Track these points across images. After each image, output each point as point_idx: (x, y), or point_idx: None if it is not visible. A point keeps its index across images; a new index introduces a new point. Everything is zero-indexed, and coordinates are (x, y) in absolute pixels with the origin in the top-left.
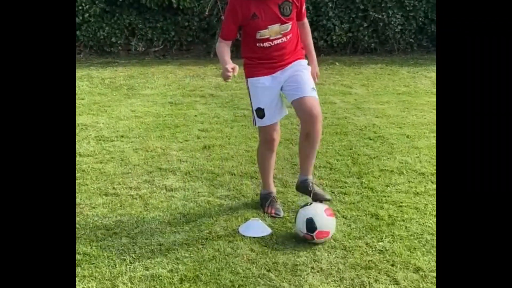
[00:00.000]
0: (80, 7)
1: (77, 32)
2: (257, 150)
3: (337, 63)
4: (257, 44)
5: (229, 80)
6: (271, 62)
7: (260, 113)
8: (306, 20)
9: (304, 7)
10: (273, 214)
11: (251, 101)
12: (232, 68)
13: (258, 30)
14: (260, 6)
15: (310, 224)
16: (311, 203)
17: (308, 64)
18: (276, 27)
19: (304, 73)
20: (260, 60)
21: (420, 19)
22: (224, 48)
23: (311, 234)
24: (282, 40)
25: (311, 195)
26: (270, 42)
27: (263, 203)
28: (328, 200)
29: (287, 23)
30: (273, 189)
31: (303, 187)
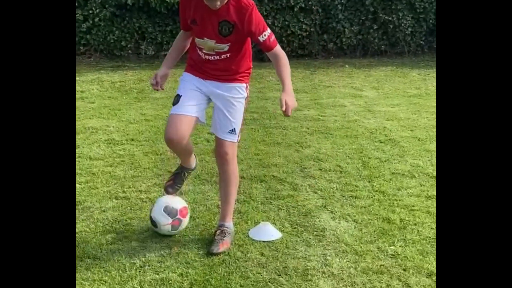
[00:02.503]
0: (90, 11)
1: (87, 36)
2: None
3: (347, 66)
4: (196, 47)
5: (156, 89)
6: (203, 70)
7: (176, 99)
8: (276, 51)
9: (260, 33)
10: (164, 188)
11: (177, 90)
12: (156, 81)
13: (195, 37)
14: (202, 15)
15: (168, 210)
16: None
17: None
18: (210, 42)
19: (232, 110)
20: (195, 63)
21: (431, 21)
22: (177, 41)
23: (175, 217)
24: (214, 58)
25: (212, 245)
26: (203, 53)
27: (172, 175)
28: (214, 255)
29: (224, 43)
30: (190, 165)
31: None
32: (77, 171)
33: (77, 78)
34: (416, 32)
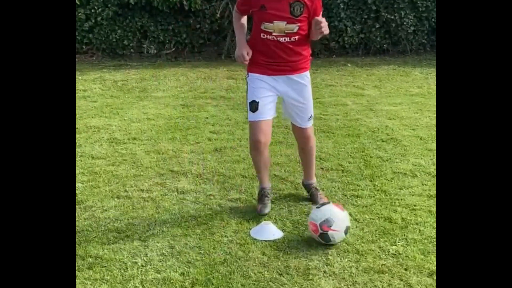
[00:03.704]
0: (92, 10)
1: (90, 35)
2: (249, 147)
3: (349, 64)
4: (261, 35)
5: (245, 63)
6: (272, 62)
7: (254, 106)
8: None
9: (317, 14)
10: (258, 211)
11: (247, 95)
12: (247, 54)
13: (263, 22)
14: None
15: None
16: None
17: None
18: (281, 24)
19: (304, 104)
20: (262, 55)
21: (433, 19)
22: (237, 21)
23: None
24: (284, 40)
25: (316, 199)
26: (274, 37)
27: (258, 198)
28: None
29: (295, 23)
30: (267, 184)
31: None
32: (79, 170)
33: (79, 77)
34: (418, 31)
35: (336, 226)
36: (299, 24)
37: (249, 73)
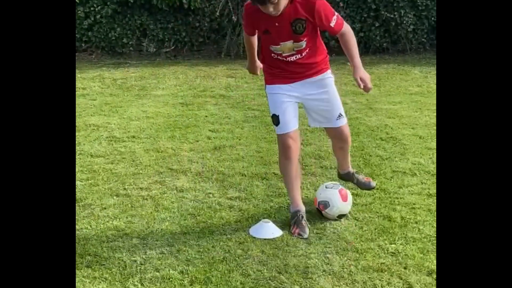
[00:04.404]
0: (91, 8)
1: (89, 33)
2: (278, 161)
3: (348, 63)
4: (272, 55)
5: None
6: (287, 73)
7: (275, 120)
8: (343, 31)
9: (329, 21)
10: (296, 235)
11: (269, 107)
12: (258, 70)
13: (270, 45)
14: (272, 23)
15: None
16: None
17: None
18: (289, 44)
19: (328, 102)
20: (278, 69)
21: (433, 18)
22: (247, 41)
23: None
24: (296, 57)
25: (356, 183)
26: (284, 58)
27: (290, 222)
28: (373, 188)
29: (301, 40)
30: (301, 206)
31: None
32: (78, 168)
33: (78, 75)
34: (418, 29)
35: (330, 211)
36: (306, 38)
37: (266, 85)
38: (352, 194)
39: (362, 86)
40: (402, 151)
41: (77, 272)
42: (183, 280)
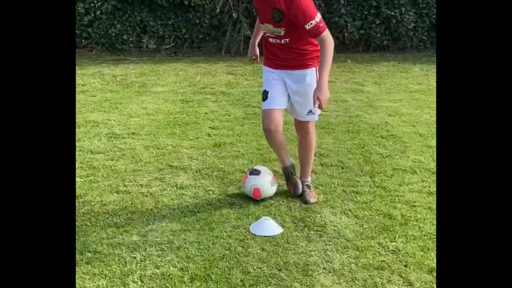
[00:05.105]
0: (92, 5)
1: (89, 29)
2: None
3: (349, 61)
4: (264, 33)
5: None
6: (274, 58)
7: (264, 95)
8: (321, 40)
9: (305, 22)
10: (292, 192)
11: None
12: (254, 56)
13: (260, 22)
14: (260, 3)
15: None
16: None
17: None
18: (270, 26)
19: (303, 98)
20: (268, 50)
21: (433, 16)
22: (257, 25)
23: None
24: (276, 41)
25: (305, 197)
26: (268, 37)
27: (285, 180)
28: (308, 203)
29: (279, 28)
30: (286, 162)
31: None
32: (78, 164)
33: (78, 72)
34: (418, 27)
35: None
36: (283, 28)
37: (263, 66)
38: (352, 192)
39: (315, 106)
40: (403, 149)
41: (77, 268)
42: (183, 277)
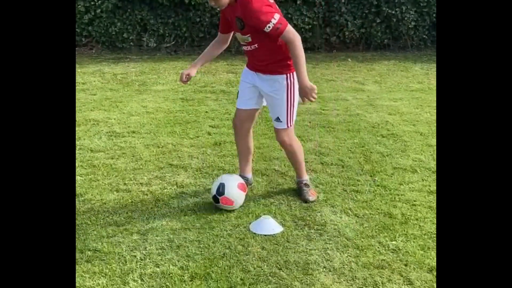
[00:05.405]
0: (92, 3)
1: (89, 28)
2: None
3: (349, 59)
4: None
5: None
6: (250, 61)
7: (238, 94)
8: (285, 36)
9: (263, 26)
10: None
11: None
12: (186, 75)
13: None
14: (228, 12)
15: (220, 189)
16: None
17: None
18: (239, 35)
19: (272, 102)
20: (245, 54)
21: (434, 15)
22: (207, 49)
23: (218, 197)
24: (247, 48)
25: (304, 196)
26: (241, 45)
27: None
28: (307, 202)
29: (245, 35)
30: (244, 173)
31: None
32: (78, 163)
33: (78, 70)
34: (419, 26)
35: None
36: (249, 35)
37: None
38: (352, 190)
39: (303, 102)
40: (403, 148)
41: (77, 267)
42: (183, 276)
